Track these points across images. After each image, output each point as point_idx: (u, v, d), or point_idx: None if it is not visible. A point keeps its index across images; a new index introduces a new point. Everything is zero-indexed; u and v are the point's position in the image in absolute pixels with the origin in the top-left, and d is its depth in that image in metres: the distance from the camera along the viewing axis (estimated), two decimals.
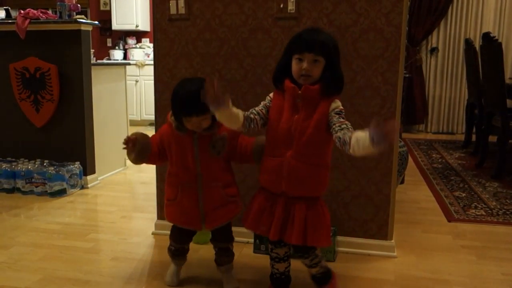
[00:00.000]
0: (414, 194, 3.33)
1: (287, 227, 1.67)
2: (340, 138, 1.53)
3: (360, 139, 1.44)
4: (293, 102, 1.64)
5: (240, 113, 1.64)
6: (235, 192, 1.89)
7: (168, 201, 1.89)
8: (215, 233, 1.94)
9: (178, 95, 1.73)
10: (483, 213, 2.94)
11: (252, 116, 1.67)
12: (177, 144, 1.80)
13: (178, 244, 1.97)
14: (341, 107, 1.64)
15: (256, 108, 1.72)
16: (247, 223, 1.76)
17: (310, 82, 1.61)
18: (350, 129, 1.56)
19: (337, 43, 1.66)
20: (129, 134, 1.83)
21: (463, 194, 3.34)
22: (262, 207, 1.71)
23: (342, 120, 1.60)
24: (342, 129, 1.56)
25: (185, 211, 1.83)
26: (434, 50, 6.19)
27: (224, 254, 1.96)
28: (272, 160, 1.68)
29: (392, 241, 2.28)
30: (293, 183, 1.64)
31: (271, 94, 1.74)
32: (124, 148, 1.79)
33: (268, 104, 1.72)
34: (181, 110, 1.72)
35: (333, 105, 1.62)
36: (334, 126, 1.59)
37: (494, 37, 3.87)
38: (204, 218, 1.82)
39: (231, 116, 1.61)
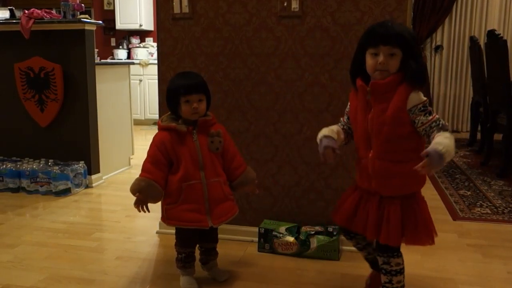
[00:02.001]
0: None
1: (382, 227, 1.60)
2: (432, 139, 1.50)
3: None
4: (364, 100, 1.58)
5: (339, 131, 1.67)
6: (231, 192, 1.91)
7: (169, 205, 1.83)
8: (204, 234, 1.92)
9: (175, 80, 1.85)
10: (489, 211, 2.92)
11: (346, 129, 1.71)
12: (181, 144, 1.80)
13: (187, 248, 1.91)
14: (423, 100, 1.52)
15: (342, 119, 1.73)
16: (338, 218, 1.71)
17: (386, 76, 1.53)
18: (439, 126, 1.49)
19: (414, 34, 1.57)
20: (134, 195, 1.78)
21: (468, 193, 3.33)
22: (355, 204, 1.67)
23: (430, 118, 1.50)
24: (433, 130, 1.49)
25: (191, 208, 1.80)
26: (438, 48, 6.16)
27: (211, 253, 1.99)
28: (359, 162, 1.66)
29: None
30: (382, 183, 1.58)
31: (350, 98, 1.71)
32: (143, 211, 1.80)
33: (347, 110, 1.71)
34: (181, 89, 1.78)
35: (413, 101, 1.51)
36: (423, 127, 1.51)
37: (499, 34, 3.85)
38: (209, 213, 1.82)
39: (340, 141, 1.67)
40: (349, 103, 1.70)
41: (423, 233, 1.61)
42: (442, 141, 1.42)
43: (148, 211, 1.80)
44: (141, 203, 1.78)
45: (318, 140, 1.64)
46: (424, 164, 1.40)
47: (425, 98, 1.54)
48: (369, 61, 1.55)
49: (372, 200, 1.62)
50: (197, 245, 1.97)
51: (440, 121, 1.51)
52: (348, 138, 1.72)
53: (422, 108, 1.52)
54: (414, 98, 1.52)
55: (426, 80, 1.60)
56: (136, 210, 1.79)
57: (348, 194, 1.73)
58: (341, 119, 1.75)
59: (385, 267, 1.65)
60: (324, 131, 1.64)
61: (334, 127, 1.68)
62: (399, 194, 1.59)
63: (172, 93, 1.82)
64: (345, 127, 1.71)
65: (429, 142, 1.48)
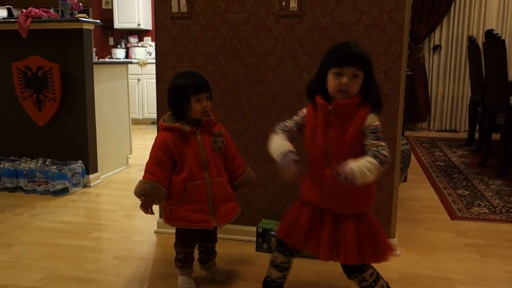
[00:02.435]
0: (417, 192, 3.32)
1: (339, 246, 1.58)
2: None
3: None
4: (325, 118, 1.57)
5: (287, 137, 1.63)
6: (233, 191, 1.92)
7: (172, 206, 1.82)
8: (204, 234, 1.92)
9: (180, 80, 1.82)
10: (486, 211, 2.93)
11: (287, 134, 1.65)
12: (185, 145, 1.79)
13: (187, 248, 1.90)
14: (377, 123, 1.54)
15: (288, 125, 1.67)
16: (293, 240, 1.64)
17: (347, 97, 1.54)
18: (376, 153, 1.49)
19: (371, 58, 1.59)
20: (139, 198, 1.77)
21: (466, 192, 3.33)
22: (309, 223, 1.62)
23: (376, 142, 1.51)
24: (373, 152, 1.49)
25: (195, 209, 1.80)
26: (437, 47, 6.17)
27: (210, 253, 1.99)
28: (314, 180, 1.62)
29: (395, 239, 2.28)
30: (339, 202, 1.58)
31: (304, 110, 1.67)
32: (149, 213, 1.80)
33: (300, 121, 1.67)
34: (191, 89, 1.77)
35: (369, 120, 1.54)
36: (367, 147, 1.51)
37: (497, 34, 3.86)
38: (213, 214, 1.82)
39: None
40: (302, 114, 1.67)
41: (379, 250, 1.61)
42: (359, 161, 1.44)
43: (153, 213, 1.80)
44: (147, 206, 1.77)
45: (280, 154, 1.54)
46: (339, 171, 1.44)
47: (378, 123, 1.55)
48: (332, 81, 1.54)
49: (326, 219, 1.60)
50: (196, 245, 1.97)
51: (381, 148, 1.49)
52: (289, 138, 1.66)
53: (374, 130, 1.53)
54: (370, 119, 1.54)
55: (382, 105, 1.61)
56: (134, 209, 1.79)
57: (297, 211, 1.67)
58: (286, 123, 1.66)
59: (364, 284, 1.67)
60: (286, 145, 1.57)
61: (285, 137, 1.62)
62: (353, 213, 1.59)
63: (180, 92, 1.79)
64: (286, 132, 1.64)
65: None
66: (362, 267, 1.63)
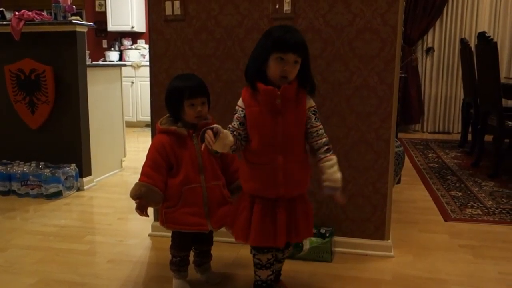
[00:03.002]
0: (410, 194, 3.33)
1: (291, 228, 1.66)
2: (314, 148, 1.64)
3: (325, 171, 1.61)
4: (271, 104, 1.57)
5: (228, 133, 1.58)
6: (229, 195, 1.91)
7: (167, 209, 1.81)
8: (200, 236, 1.91)
9: (177, 83, 1.81)
10: (480, 212, 2.94)
11: (235, 134, 1.62)
12: (181, 148, 1.79)
13: (183, 252, 1.90)
14: (315, 105, 1.66)
15: (231, 127, 1.63)
16: (252, 239, 1.65)
17: (286, 82, 1.58)
18: (324, 141, 1.64)
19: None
20: (134, 200, 1.77)
21: (460, 194, 3.35)
22: (263, 219, 1.63)
23: (318, 124, 1.64)
24: (317, 136, 1.63)
25: (191, 212, 1.79)
26: (429, 50, 6.20)
27: (205, 256, 1.99)
28: (261, 168, 1.62)
29: (389, 241, 2.28)
30: (291, 186, 1.63)
31: (240, 103, 1.65)
32: (144, 215, 1.79)
33: (240, 115, 1.64)
34: (187, 91, 1.76)
35: (309, 103, 1.64)
36: (312, 130, 1.63)
37: (489, 36, 3.88)
38: (209, 217, 1.81)
39: (222, 140, 1.55)
40: (240, 108, 1.65)
41: (311, 226, 1.75)
42: (334, 171, 1.60)
43: (148, 216, 1.79)
44: (142, 208, 1.76)
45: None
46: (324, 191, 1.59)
47: (314, 103, 1.66)
48: (274, 65, 1.56)
49: (279, 207, 1.63)
50: (192, 248, 1.97)
51: (324, 132, 1.65)
52: (237, 146, 1.62)
53: (314, 111, 1.64)
54: (309, 100, 1.64)
55: (315, 89, 1.68)
56: (128, 212, 1.78)
57: (248, 210, 1.66)
58: (230, 125, 1.64)
59: (286, 256, 1.85)
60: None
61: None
62: (300, 193, 1.68)
63: (175, 95, 1.79)
64: (235, 133, 1.62)
65: (315, 149, 1.64)
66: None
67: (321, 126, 1.65)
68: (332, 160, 1.62)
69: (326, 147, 1.63)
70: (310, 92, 1.64)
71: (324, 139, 1.64)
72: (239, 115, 1.64)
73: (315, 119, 1.64)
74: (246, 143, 1.65)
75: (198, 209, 1.80)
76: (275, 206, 1.64)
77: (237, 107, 1.66)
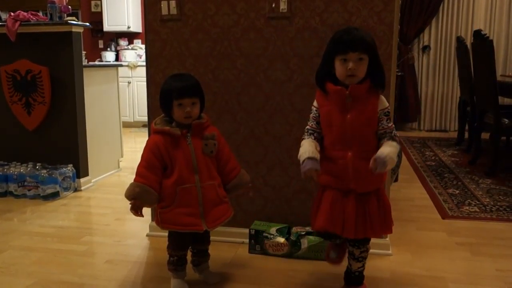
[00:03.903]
0: (408, 192, 3.34)
1: (364, 224, 1.67)
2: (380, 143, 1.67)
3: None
4: (341, 103, 1.64)
5: (315, 143, 1.69)
6: (225, 194, 1.91)
7: (162, 209, 1.81)
8: (197, 236, 1.91)
9: (168, 83, 1.81)
10: (477, 209, 2.95)
11: (316, 137, 1.71)
12: (176, 148, 1.79)
13: (180, 251, 1.90)
14: (388, 106, 1.68)
15: (309, 126, 1.73)
16: (319, 223, 1.71)
17: (356, 82, 1.62)
18: (392, 134, 1.65)
19: (375, 40, 1.67)
20: (129, 202, 1.76)
21: (457, 191, 3.36)
22: (333, 205, 1.69)
23: (390, 125, 1.67)
24: (387, 136, 1.65)
25: (185, 212, 1.79)
26: (426, 48, 6.22)
27: (203, 255, 1.98)
28: (334, 163, 1.67)
29: (387, 239, 2.29)
30: (361, 181, 1.66)
31: (315, 103, 1.73)
32: (139, 216, 1.79)
33: (315, 115, 1.73)
34: (173, 93, 1.76)
35: (382, 104, 1.66)
36: (382, 131, 1.66)
37: (485, 34, 3.89)
38: (204, 217, 1.81)
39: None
40: (315, 108, 1.73)
41: (389, 223, 1.75)
42: (387, 149, 1.60)
43: (143, 216, 1.79)
44: (137, 209, 1.76)
45: (301, 160, 1.65)
46: (372, 166, 1.58)
47: (388, 104, 1.69)
48: (339, 67, 1.62)
49: (349, 198, 1.68)
50: (189, 247, 1.96)
51: (394, 130, 1.68)
52: (318, 142, 1.73)
53: (387, 113, 1.67)
54: (382, 101, 1.67)
55: (385, 84, 1.71)
56: (125, 213, 1.78)
57: (319, 199, 1.75)
58: (308, 126, 1.74)
59: (364, 255, 1.79)
60: (308, 151, 1.64)
61: (313, 144, 1.69)
62: (374, 188, 1.69)
63: (165, 96, 1.80)
64: (315, 134, 1.72)
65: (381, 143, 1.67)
66: (369, 238, 1.76)
67: (392, 127, 1.67)
68: (393, 143, 1.62)
69: (388, 136, 1.65)
70: (381, 88, 1.66)
71: (392, 134, 1.66)
72: (314, 115, 1.74)
73: (386, 120, 1.66)
74: (322, 140, 1.72)
75: (193, 209, 1.80)
76: (346, 198, 1.68)
77: (312, 107, 1.75)
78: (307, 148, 1.66)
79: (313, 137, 1.72)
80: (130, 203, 1.75)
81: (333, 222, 1.68)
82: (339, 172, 1.67)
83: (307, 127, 1.75)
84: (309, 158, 1.63)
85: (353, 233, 1.67)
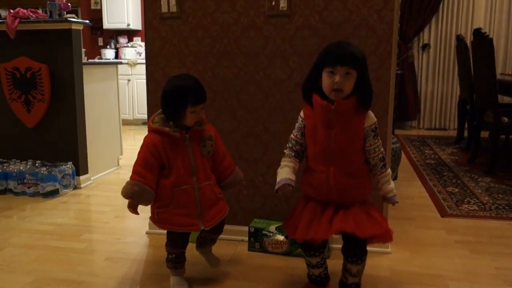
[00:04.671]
0: (407, 190, 3.34)
1: (346, 218, 1.63)
2: (371, 163, 1.69)
3: (382, 187, 1.71)
4: (326, 118, 1.61)
5: (296, 165, 1.72)
6: (221, 191, 1.92)
7: (159, 209, 1.81)
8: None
9: (182, 86, 1.75)
10: (476, 208, 2.95)
11: (299, 151, 1.73)
12: (174, 149, 1.78)
13: (178, 249, 1.90)
14: (376, 121, 1.67)
15: (293, 136, 1.73)
16: (298, 234, 1.68)
17: (342, 97, 1.59)
18: (380, 157, 1.67)
19: (366, 56, 1.64)
20: (127, 201, 1.76)
21: (456, 190, 3.36)
22: (314, 213, 1.68)
23: (377, 141, 1.66)
24: (374, 152, 1.66)
25: (183, 213, 1.79)
26: (425, 46, 6.21)
27: (210, 240, 2.00)
28: (316, 175, 1.67)
29: None
30: (343, 195, 1.65)
31: (302, 114, 1.72)
32: (136, 213, 1.79)
33: (301, 125, 1.71)
34: (191, 98, 1.73)
35: (368, 120, 1.64)
36: (370, 148, 1.66)
37: (485, 33, 3.89)
38: (201, 217, 1.82)
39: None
40: (301, 119, 1.72)
41: (378, 223, 1.67)
42: (388, 187, 1.70)
43: (138, 213, 1.79)
44: (134, 207, 1.77)
45: (277, 179, 1.68)
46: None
47: (375, 119, 1.67)
48: (326, 80, 1.60)
49: (330, 208, 1.66)
50: (187, 245, 1.96)
51: (381, 149, 1.68)
52: (300, 159, 1.75)
53: (374, 128, 1.66)
54: (370, 117, 1.66)
55: (371, 102, 1.69)
56: (125, 211, 1.78)
57: (301, 209, 1.72)
58: (293, 136, 1.74)
59: (361, 271, 1.72)
60: (287, 174, 1.68)
61: (291, 164, 1.71)
62: (356, 201, 1.67)
63: (177, 100, 1.75)
64: (297, 147, 1.73)
65: (372, 164, 1.69)
66: (366, 253, 1.69)
67: (379, 143, 1.67)
68: (387, 176, 1.70)
69: (381, 163, 1.68)
70: (367, 106, 1.64)
71: (380, 155, 1.68)
72: (300, 125, 1.73)
73: (374, 136, 1.65)
74: (306, 151, 1.73)
75: (190, 210, 1.80)
76: (327, 206, 1.67)
77: (298, 117, 1.74)
78: (287, 171, 1.69)
79: (294, 154, 1.73)
80: (128, 202, 1.75)
81: (312, 229, 1.65)
82: (320, 185, 1.65)
83: (292, 136, 1.75)
84: (286, 179, 1.66)
85: (330, 231, 1.62)
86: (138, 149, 1.82)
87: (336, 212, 1.65)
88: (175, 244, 1.89)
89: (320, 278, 1.84)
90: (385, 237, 1.68)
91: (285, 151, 1.76)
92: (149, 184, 1.75)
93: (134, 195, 1.73)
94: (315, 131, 1.65)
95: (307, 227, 1.66)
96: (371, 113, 1.66)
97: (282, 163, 1.73)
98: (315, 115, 1.65)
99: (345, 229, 1.63)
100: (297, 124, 1.73)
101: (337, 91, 1.57)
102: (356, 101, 1.60)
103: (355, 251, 1.67)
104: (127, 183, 1.76)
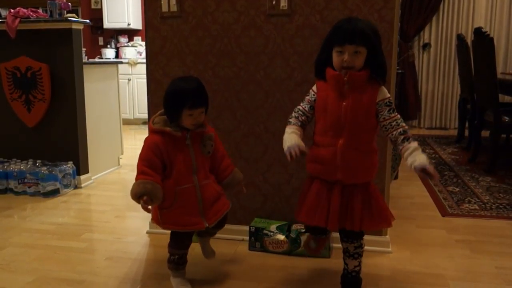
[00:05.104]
0: (408, 190, 3.34)
1: (345, 216, 1.65)
2: (392, 140, 1.63)
3: (407, 159, 1.58)
4: (338, 89, 1.60)
5: (301, 134, 1.67)
6: (221, 188, 1.93)
7: (162, 210, 1.81)
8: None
9: (181, 89, 1.76)
10: (477, 207, 2.95)
11: (304, 121, 1.71)
12: (175, 149, 1.79)
13: (182, 250, 1.89)
14: (389, 96, 1.64)
15: (301, 107, 1.72)
16: (301, 215, 1.70)
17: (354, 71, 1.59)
18: (400, 131, 1.60)
19: (377, 29, 1.63)
20: (137, 199, 1.73)
21: (457, 189, 3.36)
22: (318, 197, 1.67)
23: (393, 115, 1.62)
24: (392, 127, 1.61)
25: (186, 212, 1.80)
26: (426, 46, 6.21)
27: (211, 233, 2.02)
28: (323, 150, 1.65)
29: (387, 236, 2.29)
30: (348, 172, 1.63)
31: (314, 88, 1.71)
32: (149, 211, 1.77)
33: (311, 98, 1.70)
34: (188, 102, 1.73)
35: (381, 94, 1.62)
36: (385, 122, 1.62)
37: (486, 32, 3.88)
38: (204, 215, 1.82)
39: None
40: (313, 92, 1.71)
41: (378, 218, 1.69)
42: (420, 156, 1.57)
43: (150, 211, 1.78)
44: (148, 204, 1.73)
45: (287, 144, 1.63)
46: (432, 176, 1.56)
47: (389, 95, 1.65)
48: (335, 58, 1.60)
49: (335, 190, 1.66)
50: (190, 246, 1.97)
51: (401, 122, 1.62)
52: (303, 129, 1.72)
53: (388, 103, 1.62)
54: (383, 92, 1.63)
55: (385, 75, 1.67)
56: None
57: (306, 190, 1.73)
58: (300, 107, 1.73)
59: (358, 251, 1.77)
60: (297, 140, 1.62)
61: (298, 132, 1.68)
62: (362, 182, 1.67)
63: (174, 103, 1.76)
64: (303, 117, 1.71)
65: (393, 141, 1.63)
66: (363, 233, 1.73)
67: (396, 117, 1.62)
68: (410, 148, 1.58)
69: (402, 137, 1.60)
70: (380, 80, 1.62)
71: (400, 129, 1.61)
72: (310, 98, 1.71)
73: (388, 111, 1.61)
74: (315, 126, 1.70)
75: (193, 209, 1.80)
76: (331, 189, 1.66)
77: (310, 91, 1.72)
78: (291, 137, 1.64)
79: (299, 123, 1.70)
80: (142, 201, 1.70)
81: (316, 216, 1.66)
82: (327, 159, 1.63)
83: (298, 107, 1.72)
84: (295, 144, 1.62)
85: (337, 225, 1.66)
86: (139, 148, 1.81)
87: (340, 200, 1.64)
88: (179, 245, 1.89)
89: (321, 229, 1.81)
90: (384, 225, 1.74)
91: (290, 120, 1.73)
92: (158, 182, 1.76)
93: (148, 193, 1.70)
94: (326, 103, 1.64)
95: (312, 211, 1.67)
96: (384, 89, 1.64)
97: (289, 130, 1.69)
98: (327, 87, 1.65)
99: (346, 227, 1.67)
100: (307, 97, 1.72)
101: (347, 68, 1.58)
102: (369, 74, 1.60)
103: (352, 234, 1.73)
104: (136, 183, 1.73)
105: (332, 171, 1.64)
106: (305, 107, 1.72)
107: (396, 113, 1.63)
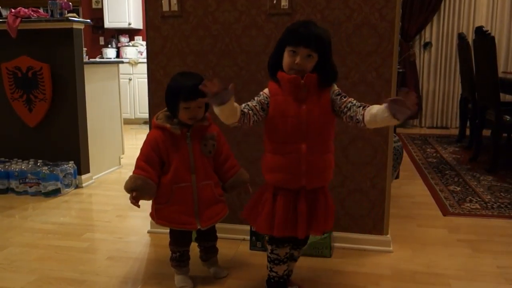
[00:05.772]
0: (409, 189, 3.34)
1: (312, 220, 1.65)
2: (352, 117, 1.56)
3: (377, 115, 1.47)
4: (296, 93, 1.58)
5: (238, 107, 1.57)
6: (222, 193, 1.92)
7: (158, 205, 1.83)
8: (202, 233, 1.93)
9: (178, 82, 1.78)
10: (478, 206, 2.95)
11: (245, 110, 1.58)
12: (174, 146, 1.80)
13: (182, 247, 1.90)
14: (337, 88, 1.64)
15: (250, 104, 1.62)
16: (276, 230, 1.63)
17: (301, 75, 1.57)
18: (357, 104, 1.57)
19: (331, 37, 1.63)
20: (130, 195, 1.76)
21: (458, 188, 3.35)
22: (286, 210, 1.63)
23: (345, 99, 1.60)
24: (349, 108, 1.57)
25: (180, 210, 1.81)
26: (427, 45, 6.20)
27: (210, 251, 2.00)
28: (284, 158, 1.61)
29: (388, 235, 2.29)
30: (313, 176, 1.62)
31: (266, 91, 1.65)
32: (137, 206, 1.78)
33: (263, 100, 1.62)
34: (182, 94, 1.74)
35: (332, 89, 1.63)
36: (340, 108, 1.59)
37: (487, 31, 3.88)
38: (198, 216, 1.82)
39: (232, 110, 1.52)
40: (265, 96, 1.63)
41: (330, 220, 1.71)
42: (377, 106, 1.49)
43: (139, 206, 1.79)
44: (137, 200, 1.77)
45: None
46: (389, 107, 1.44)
47: (337, 87, 1.65)
48: (287, 58, 1.58)
49: (300, 198, 1.63)
50: (197, 244, 1.98)
51: (356, 102, 1.59)
52: (242, 121, 1.58)
53: (338, 92, 1.62)
54: (333, 87, 1.64)
55: (336, 78, 1.66)
56: (126, 210, 1.78)
57: (270, 203, 1.65)
58: (252, 106, 1.60)
59: (299, 255, 1.86)
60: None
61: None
62: (322, 184, 1.67)
63: (171, 96, 1.79)
64: (250, 112, 1.58)
65: (353, 116, 1.56)
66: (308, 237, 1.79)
67: (350, 99, 1.60)
68: (373, 107, 1.51)
69: (358, 104, 1.57)
70: (329, 82, 1.63)
71: (356, 103, 1.57)
72: (263, 100, 1.62)
73: (340, 98, 1.60)
74: (269, 134, 1.65)
75: (187, 208, 1.81)
76: (297, 197, 1.64)
77: (261, 93, 1.65)
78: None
79: (246, 109, 1.58)
80: (131, 195, 1.75)
81: (289, 226, 1.64)
82: (291, 167, 1.60)
83: (248, 103, 1.61)
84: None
85: (305, 232, 1.66)
86: (140, 148, 1.83)
87: (307, 206, 1.64)
88: (178, 242, 1.90)
89: (282, 280, 1.77)
90: (332, 226, 1.77)
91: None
92: (151, 178, 1.77)
93: (137, 189, 1.75)
94: (284, 108, 1.58)
95: (284, 223, 1.64)
96: (333, 85, 1.64)
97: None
98: (281, 92, 1.60)
99: (314, 234, 1.74)
100: (258, 98, 1.63)
101: (296, 70, 1.56)
102: (319, 79, 1.59)
103: (305, 241, 1.82)
104: (130, 177, 1.78)
105: (296, 179, 1.61)
106: (256, 105, 1.61)
107: (348, 97, 1.61)
